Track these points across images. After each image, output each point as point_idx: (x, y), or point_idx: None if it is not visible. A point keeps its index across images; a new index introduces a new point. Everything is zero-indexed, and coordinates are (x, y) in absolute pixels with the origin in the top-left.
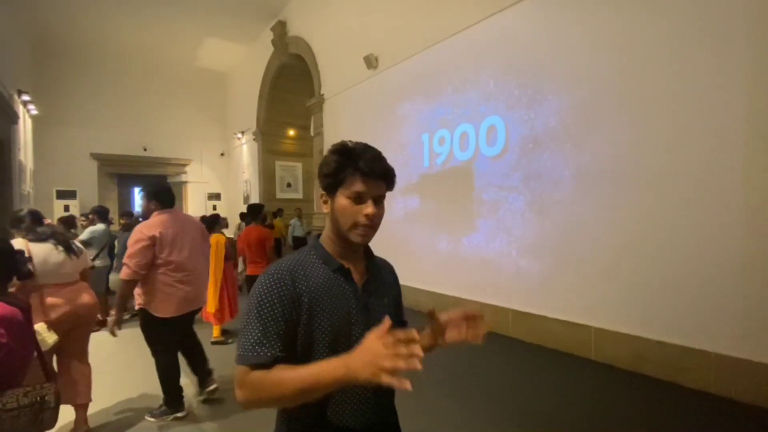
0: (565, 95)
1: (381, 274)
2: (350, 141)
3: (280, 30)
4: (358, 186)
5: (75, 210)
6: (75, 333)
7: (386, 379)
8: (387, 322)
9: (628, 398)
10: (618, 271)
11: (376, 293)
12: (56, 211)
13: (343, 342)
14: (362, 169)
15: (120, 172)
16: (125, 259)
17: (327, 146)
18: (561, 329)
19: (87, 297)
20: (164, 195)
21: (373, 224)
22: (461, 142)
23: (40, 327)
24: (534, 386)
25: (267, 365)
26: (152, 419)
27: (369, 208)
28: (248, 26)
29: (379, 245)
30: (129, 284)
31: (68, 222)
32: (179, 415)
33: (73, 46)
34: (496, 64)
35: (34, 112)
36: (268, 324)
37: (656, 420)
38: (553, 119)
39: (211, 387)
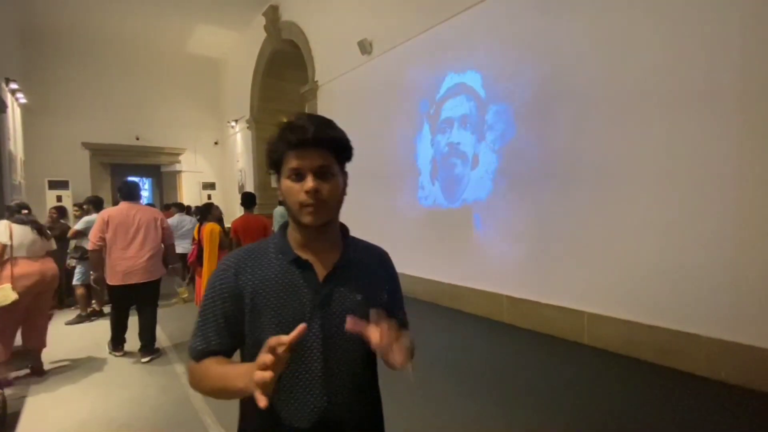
0: (561, 83)
1: (360, 265)
2: (295, 115)
3: (273, 15)
4: (293, 162)
5: (68, 200)
6: (42, 295)
7: (257, 391)
8: (300, 327)
9: (620, 382)
10: (610, 257)
11: (345, 287)
12: (48, 201)
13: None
14: (291, 141)
15: (113, 161)
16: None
17: None
18: (554, 314)
19: (51, 269)
20: (122, 189)
21: (319, 201)
22: (460, 126)
23: (5, 287)
24: (527, 371)
25: (196, 358)
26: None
27: (308, 183)
28: (240, 11)
29: (368, 231)
30: (93, 254)
31: (60, 212)
32: (115, 353)
33: (63, 33)
34: (492, 47)
35: (23, 100)
36: (206, 318)
37: (648, 403)
38: (551, 106)
39: (145, 359)
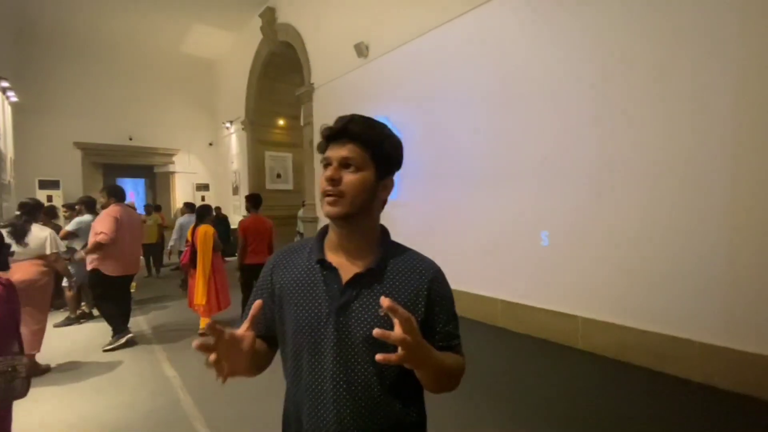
0: (555, 90)
1: (396, 275)
2: None
3: (269, 16)
4: (325, 152)
5: (58, 200)
6: (32, 297)
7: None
8: (256, 304)
9: (613, 386)
10: (604, 262)
11: (370, 296)
12: None
13: (306, 346)
14: (323, 133)
15: (105, 161)
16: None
17: (317, 136)
18: (549, 319)
19: (30, 271)
20: (118, 192)
21: (336, 191)
22: (450, 131)
23: None
24: (522, 375)
25: None
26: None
27: (328, 171)
28: (236, 12)
29: None
30: (102, 246)
31: (49, 212)
32: (126, 337)
33: (56, 31)
34: (489, 52)
35: (14, 99)
36: (250, 306)
37: (640, 407)
38: (543, 110)
39: (107, 347)
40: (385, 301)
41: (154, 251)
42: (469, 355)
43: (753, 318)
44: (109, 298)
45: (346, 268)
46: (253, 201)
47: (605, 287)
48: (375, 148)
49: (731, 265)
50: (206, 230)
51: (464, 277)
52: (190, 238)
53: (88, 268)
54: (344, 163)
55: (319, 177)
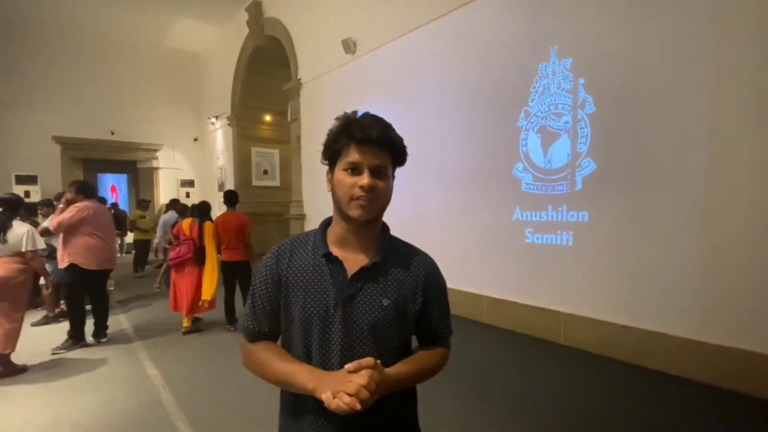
0: (539, 90)
1: (397, 268)
2: (356, 111)
3: (256, 10)
4: (353, 155)
5: (36, 196)
6: (6, 295)
7: (333, 407)
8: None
9: (594, 381)
10: (585, 259)
11: (374, 288)
12: None
13: (316, 335)
14: (356, 136)
15: (86, 156)
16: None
17: (305, 132)
18: (532, 315)
19: (6, 269)
20: (92, 189)
21: (371, 197)
22: (437, 128)
23: None
24: (505, 370)
25: (248, 337)
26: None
27: (365, 179)
28: (222, 6)
29: None
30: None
31: (29, 209)
32: (105, 339)
33: (35, 24)
34: (478, 49)
35: None
36: (255, 300)
37: (620, 401)
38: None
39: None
40: (349, 366)
41: (147, 248)
42: (455, 351)
43: (725, 313)
44: (81, 295)
45: (351, 262)
46: (228, 197)
47: (586, 284)
48: (398, 156)
49: (704, 263)
50: (211, 226)
51: (450, 274)
52: (187, 233)
53: (62, 265)
54: (376, 171)
55: (340, 175)
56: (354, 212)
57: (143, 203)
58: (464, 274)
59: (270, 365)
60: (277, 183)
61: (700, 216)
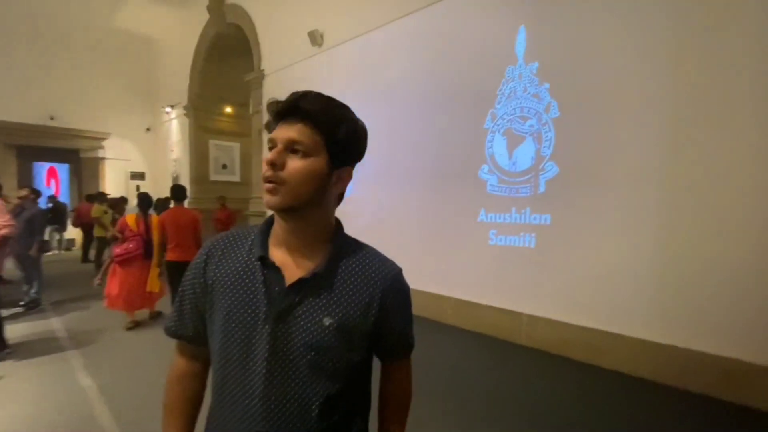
0: (512, 89)
1: (349, 278)
2: None
3: None
4: (272, 132)
5: None
6: None
7: None
8: None
9: (553, 380)
10: (547, 261)
11: (316, 302)
12: None
13: (236, 354)
14: (272, 110)
15: (20, 143)
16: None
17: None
18: (495, 316)
19: None
20: None
21: (276, 177)
22: (403, 127)
23: None
24: (468, 371)
25: (169, 335)
26: None
27: (270, 154)
28: None
29: None
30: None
31: None
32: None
33: None
34: (446, 48)
35: None
36: (183, 300)
37: (575, 398)
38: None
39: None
40: None
41: (106, 245)
42: (418, 353)
43: (678, 315)
44: None
45: (291, 269)
46: (175, 192)
47: (547, 286)
48: (330, 131)
49: (657, 265)
50: (157, 219)
51: (414, 275)
52: (134, 228)
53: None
54: (291, 147)
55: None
56: (264, 198)
57: (102, 197)
58: (429, 275)
59: (166, 417)
60: (237, 178)
61: (658, 219)
